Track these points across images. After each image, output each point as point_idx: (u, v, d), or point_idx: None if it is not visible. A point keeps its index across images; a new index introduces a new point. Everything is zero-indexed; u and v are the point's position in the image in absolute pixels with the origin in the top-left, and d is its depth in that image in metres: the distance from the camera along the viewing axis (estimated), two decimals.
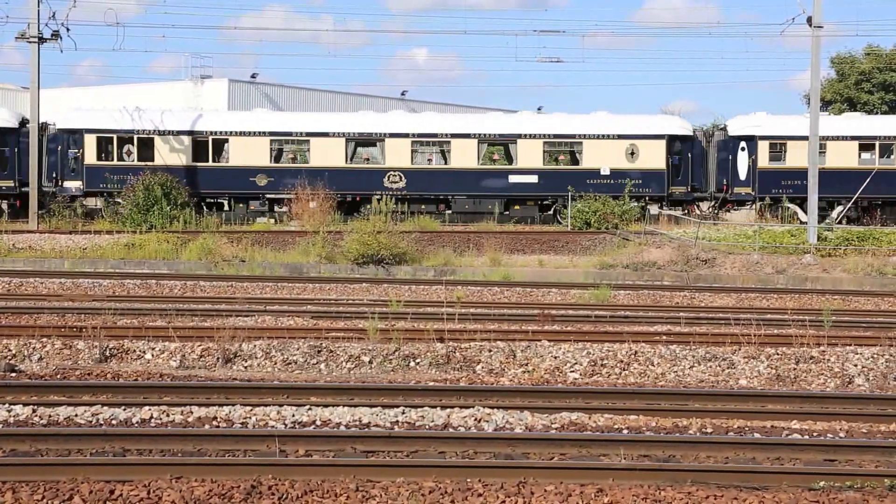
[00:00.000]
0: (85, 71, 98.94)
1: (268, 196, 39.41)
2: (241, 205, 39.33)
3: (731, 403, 12.67)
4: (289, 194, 37.37)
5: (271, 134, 39.65)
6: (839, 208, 38.85)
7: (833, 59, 62.46)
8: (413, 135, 39.79)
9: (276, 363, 15.17)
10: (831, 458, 10.25)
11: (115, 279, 25.94)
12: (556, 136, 40.13)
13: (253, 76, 62.29)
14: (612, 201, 37.27)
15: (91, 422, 11.28)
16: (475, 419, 11.58)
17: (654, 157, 39.77)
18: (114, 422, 11.28)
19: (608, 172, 39.59)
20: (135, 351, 15.41)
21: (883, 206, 39.70)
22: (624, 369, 15.07)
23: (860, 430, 11.72)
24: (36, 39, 37.38)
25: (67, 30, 37.92)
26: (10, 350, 15.26)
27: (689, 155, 40.27)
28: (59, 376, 13.90)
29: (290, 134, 39.90)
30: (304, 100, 61.93)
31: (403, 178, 39.39)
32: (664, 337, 17.04)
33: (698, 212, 40.41)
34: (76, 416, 11.42)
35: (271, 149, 39.67)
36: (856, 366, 15.17)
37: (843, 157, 39.48)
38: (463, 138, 39.84)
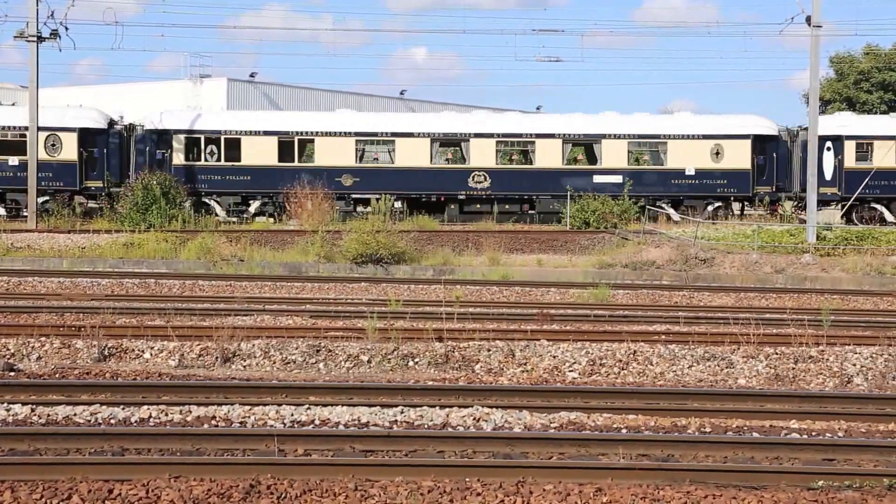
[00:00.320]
0: (84, 70, 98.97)
1: (353, 196, 39.54)
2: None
3: (729, 403, 12.68)
4: (375, 194, 37.53)
5: (357, 134, 39.80)
6: None
7: (832, 59, 62.52)
8: (498, 135, 39.83)
9: (274, 362, 15.16)
10: (830, 457, 10.25)
11: (113, 278, 25.94)
12: (640, 136, 40.08)
13: (252, 75, 62.31)
14: (612, 200, 37.28)
15: (90, 421, 11.28)
16: (474, 418, 11.58)
17: (739, 157, 39.81)
18: (112, 421, 11.28)
19: (693, 172, 39.72)
20: (133, 350, 15.41)
21: None
22: (623, 369, 15.07)
23: (859, 429, 11.73)
24: (35, 38, 37.36)
25: (66, 29, 37.93)
26: (8, 349, 15.25)
27: (774, 155, 40.30)
28: (57, 375, 13.90)
29: (375, 134, 40.04)
30: (303, 99, 61.96)
31: (488, 178, 39.46)
32: (663, 336, 17.04)
33: (781, 212, 40.45)
34: (75, 415, 11.42)
35: (356, 149, 39.84)
36: (854, 365, 15.18)
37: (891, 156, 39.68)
38: (547, 138, 39.87)
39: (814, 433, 11.49)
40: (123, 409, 11.61)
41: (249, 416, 11.49)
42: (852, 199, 39.14)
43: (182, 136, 39.41)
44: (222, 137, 39.40)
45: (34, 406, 11.65)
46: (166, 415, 11.49)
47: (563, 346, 15.71)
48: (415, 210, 39.12)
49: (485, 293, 24.70)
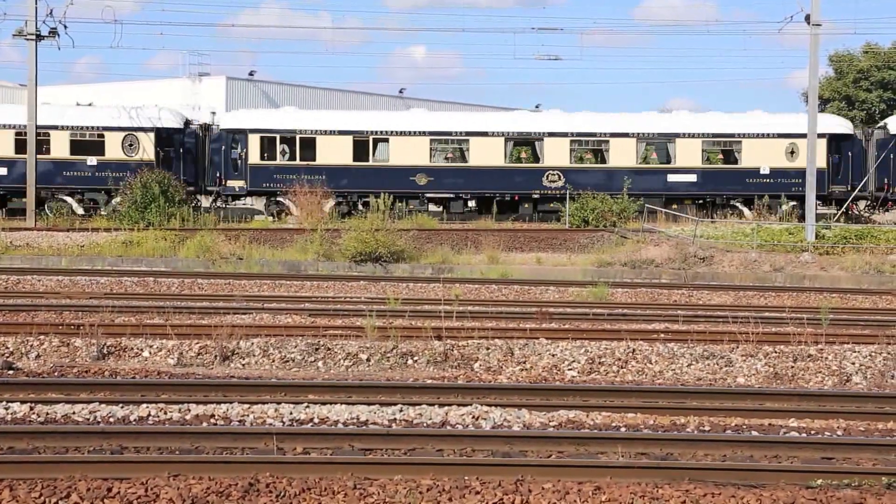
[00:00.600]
0: (82, 68, 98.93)
1: (427, 195, 39.60)
2: (400, 204, 39.45)
3: (728, 401, 12.68)
4: (448, 193, 37.52)
5: (431, 133, 39.89)
6: None
7: (831, 57, 62.52)
8: (572, 134, 39.83)
9: (273, 361, 15.16)
10: (829, 456, 10.25)
11: (112, 276, 25.94)
12: (714, 135, 39.97)
13: (251, 74, 62.33)
14: (610, 199, 37.28)
15: (88, 419, 11.27)
16: (473, 417, 11.58)
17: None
18: (111, 419, 11.27)
19: (768, 171, 39.69)
20: (132, 348, 15.40)
21: None
22: (622, 367, 15.07)
23: (858, 428, 11.73)
24: (33, 37, 37.37)
25: (65, 27, 37.97)
26: (7, 347, 15.25)
27: (850, 154, 40.23)
28: (56, 374, 13.90)
29: (449, 133, 40.10)
30: (302, 97, 61.97)
31: (562, 178, 39.52)
32: (662, 335, 17.04)
33: (856, 211, 40.44)
34: (74, 413, 11.41)
35: (431, 148, 39.88)
36: (853, 364, 15.18)
37: None
38: (621, 137, 39.90)
39: (813, 432, 11.49)
40: (122, 407, 11.61)
41: (248, 415, 11.49)
42: None
43: (258, 136, 39.56)
44: (297, 137, 39.57)
45: (33, 404, 11.65)
46: (165, 413, 11.49)
47: (562, 344, 15.70)
48: (485, 209, 39.15)
49: (484, 291, 24.69)
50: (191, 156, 39.75)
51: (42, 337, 15.67)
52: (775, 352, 15.54)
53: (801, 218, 35.76)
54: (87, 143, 39.35)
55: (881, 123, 42.71)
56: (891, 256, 30.57)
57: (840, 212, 39.31)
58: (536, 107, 68.43)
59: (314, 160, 39.39)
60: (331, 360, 15.19)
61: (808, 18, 34.27)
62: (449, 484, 9.04)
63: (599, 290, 23.96)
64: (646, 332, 17.35)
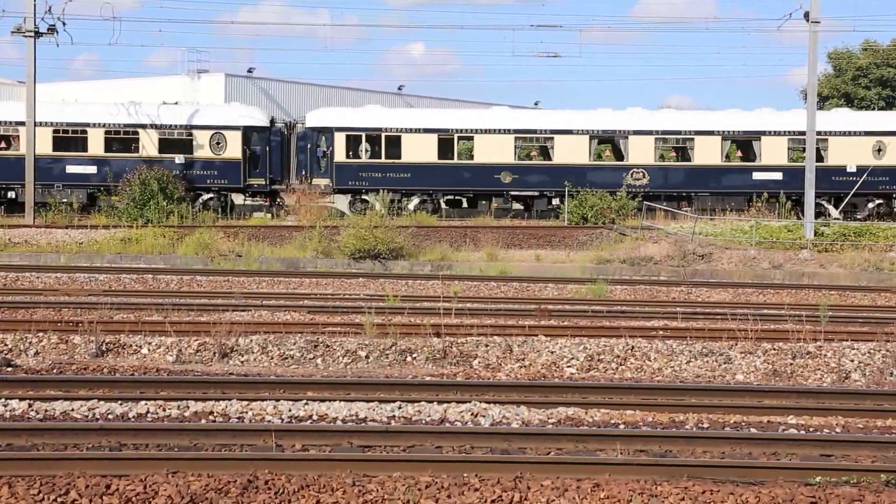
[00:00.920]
0: (81, 65, 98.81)
1: (512, 193, 39.57)
2: (483, 202, 39.44)
3: (727, 398, 12.68)
4: (533, 191, 37.48)
5: (516, 132, 39.89)
6: None
7: (830, 55, 62.56)
8: (656, 132, 39.81)
9: (272, 358, 15.15)
10: (828, 453, 10.26)
11: (111, 274, 25.92)
12: (801, 132, 39.46)
13: (249, 71, 62.28)
14: (609, 196, 37.25)
15: (87, 416, 11.27)
16: (472, 414, 11.58)
17: None
18: (110, 416, 11.27)
19: (854, 169, 39.61)
20: (131, 345, 15.40)
21: None
22: (620, 364, 15.07)
23: (857, 425, 11.73)
24: (32, 34, 37.32)
25: (63, 24, 37.89)
26: (6, 344, 15.23)
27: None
28: (55, 371, 13.89)
29: (534, 131, 40.11)
30: (300, 94, 61.94)
31: (646, 175, 39.52)
32: (661, 332, 17.04)
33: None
34: (72, 410, 11.41)
35: (515, 146, 39.92)
36: (852, 361, 15.18)
37: None
38: (706, 135, 39.80)
39: (811, 429, 11.49)
40: (121, 404, 11.60)
41: (247, 412, 11.49)
42: None
43: (343, 134, 39.69)
44: (383, 135, 39.66)
45: (32, 401, 11.64)
46: (164, 410, 11.49)
47: (561, 341, 15.70)
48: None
49: (483, 289, 24.69)
50: (276, 154, 39.92)
51: (41, 334, 15.66)
52: (774, 349, 15.54)
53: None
54: (175, 141, 39.57)
55: None
56: (890, 254, 30.58)
57: None
58: (536, 104, 68.47)
59: (399, 158, 39.53)
60: (329, 358, 15.19)
61: (807, 16, 34.29)
62: (448, 481, 9.04)
63: (598, 288, 23.96)
64: (644, 329, 17.35)
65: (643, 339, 15.96)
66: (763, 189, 38.74)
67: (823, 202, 39.51)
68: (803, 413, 12.08)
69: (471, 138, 40.13)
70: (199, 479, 8.91)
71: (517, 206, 40.13)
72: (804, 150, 39.97)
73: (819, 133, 39.28)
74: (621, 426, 11.33)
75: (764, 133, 39.87)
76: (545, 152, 40.50)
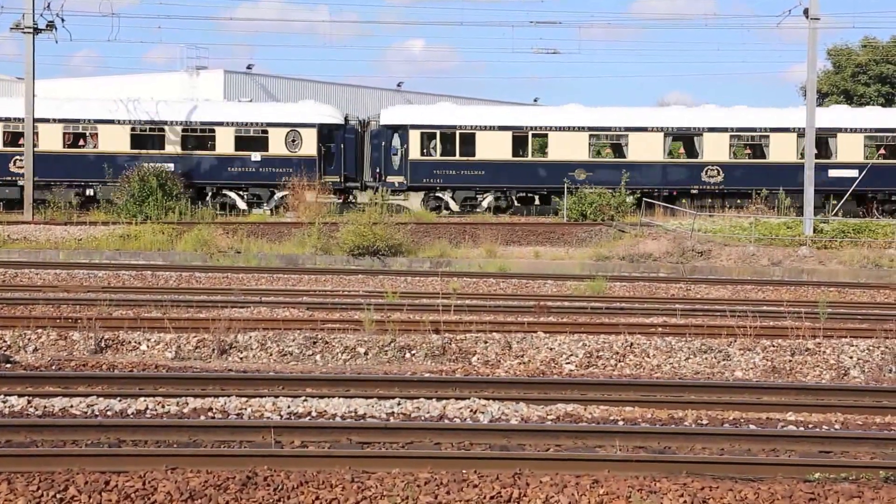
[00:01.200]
0: (80, 62, 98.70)
1: (586, 190, 39.32)
2: (556, 199, 39.40)
3: (726, 395, 12.68)
4: (608, 188, 37.75)
5: (590, 129, 39.92)
6: None
7: (830, 51, 62.49)
8: (731, 129, 39.71)
9: (271, 354, 15.16)
10: (827, 449, 10.26)
11: (110, 270, 25.91)
12: (877, 129, 39.66)
13: (249, 67, 62.25)
14: (608, 193, 37.25)
15: (86, 413, 11.26)
16: (471, 410, 11.58)
17: None
18: (109, 413, 11.27)
19: None
20: (130, 342, 15.40)
21: None
22: (619, 361, 15.08)
23: (855, 421, 11.74)
24: (31, 30, 37.30)
25: (62, 20, 37.88)
26: (5, 341, 15.24)
27: None
28: (54, 367, 13.88)
29: (608, 129, 40.18)
30: (299, 91, 61.89)
31: (721, 173, 39.43)
32: (660, 328, 17.05)
33: None
34: (71, 406, 11.41)
35: (589, 144, 39.95)
36: (851, 358, 15.18)
37: None
38: (781, 132, 39.70)
39: (810, 425, 11.50)
40: (120, 400, 11.60)
41: (246, 408, 11.49)
42: None
43: (418, 132, 39.76)
44: (457, 132, 39.69)
45: (31, 398, 11.64)
46: (163, 406, 11.49)
47: (560, 338, 15.71)
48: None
49: (482, 285, 24.69)
50: (351, 151, 40.07)
51: (40, 330, 15.66)
52: (773, 346, 15.54)
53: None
54: (250, 139, 39.70)
55: None
56: (889, 250, 30.59)
57: None
58: (535, 100, 68.41)
59: (473, 155, 39.54)
60: (328, 354, 15.19)
61: (806, 12, 34.26)
62: (447, 477, 9.04)
63: (597, 284, 23.97)
64: (644, 325, 17.36)
65: (642, 336, 15.96)
66: (838, 186, 38.59)
67: None
68: (802, 410, 12.08)
69: (545, 135, 40.22)
70: (198, 476, 8.91)
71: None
72: (879, 146, 40.05)
73: (893, 129, 39.23)
74: (620, 423, 11.33)
75: (840, 130, 39.77)
76: (619, 150, 40.50)
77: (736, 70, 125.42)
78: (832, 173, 39.55)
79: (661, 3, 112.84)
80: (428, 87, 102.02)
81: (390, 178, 39.63)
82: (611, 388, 12.91)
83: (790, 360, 15.10)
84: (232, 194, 39.49)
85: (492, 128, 39.66)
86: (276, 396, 11.92)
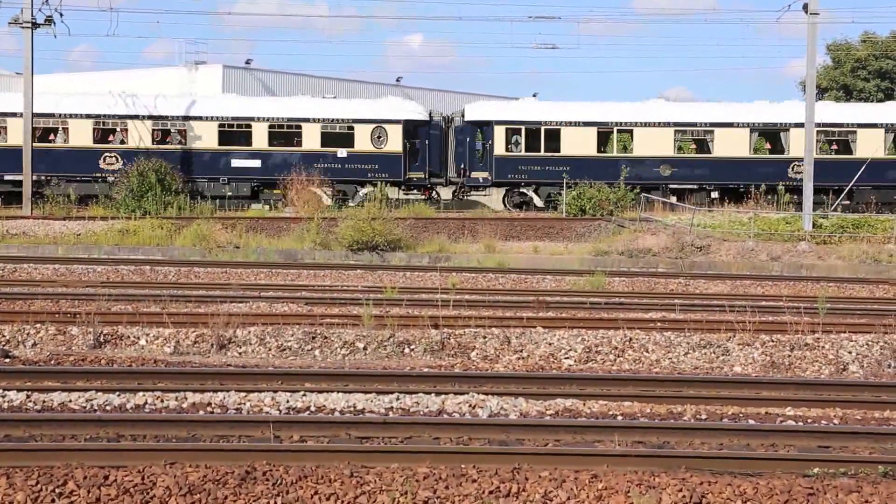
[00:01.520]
0: (78, 56, 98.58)
1: (671, 186, 39.56)
2: (642, 194, 39.39)
3: (725, 390, 12.68)
4: (692, 184, 37.34)
5: (675, 125, 39.96)
6: None
7: (829, 46, 62.49)
8: (819, 125, 39.01)
9: (270, 349, 15.15)
10: (825, 444, 10.26)
11: (109, 265, 25.91)
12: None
13: (247, 62, 62.18)
14: (607, 188, 37.23)
15: (85, 407, 11.26)
16: (470, 405, 11.58)
17: None
18: (108, 407, 11.27)
19: None
20: (129, 337, 15.39)
21: None
22: (618, 356, 15.07)
23: (854, 416, 11.74)
24: (29, 25, 37.28)
25: (61, 15, 37.89)
26: (3, 336, 15.23)
27: None
28: (53, 362, 13.88)
29: (693, 124, 40.14)
30: (298, 86, 61.83)
31: None
32: (659, 324, 17.04)
33: None
34: (70, 401, 11.41)
35: (675, 139, 40.02)
36: (850, 353, 15.19)
37: None
38: (869, 128, 39.64)
39: (809, 420, 11.50)
40: (119, 395, 11.60)
41: (245, 403, 11.49)
42: None
43: (503, 128, 39.84)
44: (542, 128, 39.80)
45: (29, 392, 11.64)
46: (162, 401, 11.48)
47: (559, 333, 15.70)
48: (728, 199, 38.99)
49: (481, 280, 24.69)
50: (435, 148, 40.26)
51: (38, 325, 15.65)
52: (772, 341, 15.54)
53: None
54: (336, 135, 39.91)
55: None
56: (888, 245, 30.58)
57: None
58: (534, 95, 68.38)
59: (558, 151, 39.63)
60: (327, 349, 15.18)
61: (805, 7, 34.23)
62: (446, 472, 9.04)
63: (596, 279, 23.97)
64: (643, 320, 17.35)
65: (641, 331, 15.96)
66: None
67: None
68: (801, 405, 12.09)
69: (630, 131, 40.32)
70: (197, 470, 8.91)
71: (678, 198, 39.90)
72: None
73: None
74: (619, 418, 11.33)
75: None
76: (704, 145, 40.43)
77: (735, 65, 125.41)
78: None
79: None
80: (427, 82, 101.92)
81: (475, 174, 39.78)
82: (610, 383, 12.92)
83: (789, 355, 15.11)
84: (317, 190, 39.56)
85: (577, 123, 39.80)
86: (275, 391, 11.92)
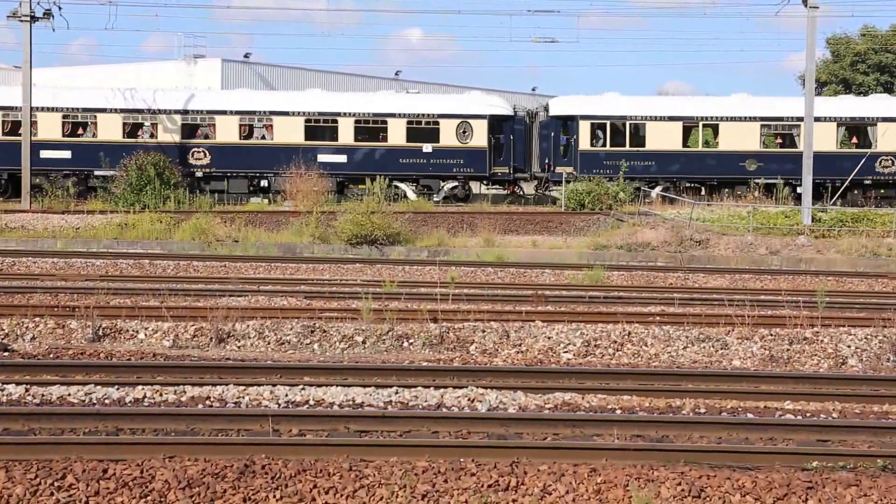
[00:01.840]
0: (76, 50, 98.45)
1: (756, 181, 39.18)
2: (726, 190, 39.37)
3: (724, 384, 12.68)
4: (777, 179, 37.50)
5: (761, 119, 39.85)
6: None
7: (828, 40, 62.42)
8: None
9: (269, 343, 15.15)
10: (824, 438, 10.27)
11: (108, 259, 25.89)
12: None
13: (246, 56, 62.12)
14: (606, 182, 37.20)
15: (84, 401, 11.26)
16: (468, 399, 11.58)
17: None
18: (107, 401, 11.27)
19: None
20: (128, 330, 15.39)
21: None
22: (617, 350, 15.08)
23: (853, 410, 11.75)
24: (28, 18, 37.23)
25: (59, 8, 37.83)
26: (2, 329, 15.23)
27: None
28: (52, 356, 13.87)
29: (780, 119, 40.04)
30: (296, 80, 61.76)
31: (894, 163, 39.23)
32: (658, 318, 17.04)
33: None
34: (69, 395, 11.41)
35: (761, 134, 39.85)
36: (849, 347, 15.19)
37: None
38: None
39: (808, 414, 11.51)
40: (118, 389, 11.60)
41: (244, 397, 11.49)
42: None
43: (588, 122, 39.82)
44: (627, 122, 39.79)
45: (28, 386, 11.64)
46: (161, 395, 11.49)
47: (558, 327, 15.70)
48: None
49: (479, 274, 24.68)
50: (520, 143, 40.23)
51: (37, 319, 15.65)
52: (771, 335, 15.55)
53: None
54: (422, 130, 39.88)
55: None
56: (887, 239, 30.59)
57: None
58: (533, 90, 68.35)
59: (643, 146, 39.56)
60: (326, 343, 15.19)
61: (805, 1, 34.19)
62: (444, 466, 9.05)
63: (595, 273, 23.96)
64: (641, 314, 17.36)
65: (640, 325, 15.97)
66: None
67: None
68: (800, 398, 12.09)
69: (716, 126, 40.19)
70: (196, 464, 8.91)
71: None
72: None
73: None
74: (618, 411, 11.34)
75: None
76: (790, 140, 40.25)
77: (735, 59, 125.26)
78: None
79: None
80: (426, 76, 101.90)
81: (559, 169, 39.69)
82: (609, 376, 12.92)
83: (788, 349, 15.11)
84: (402, 185, 39.60)
85: (662, 118, 39.72)
86: (274, 385, 11.92)
